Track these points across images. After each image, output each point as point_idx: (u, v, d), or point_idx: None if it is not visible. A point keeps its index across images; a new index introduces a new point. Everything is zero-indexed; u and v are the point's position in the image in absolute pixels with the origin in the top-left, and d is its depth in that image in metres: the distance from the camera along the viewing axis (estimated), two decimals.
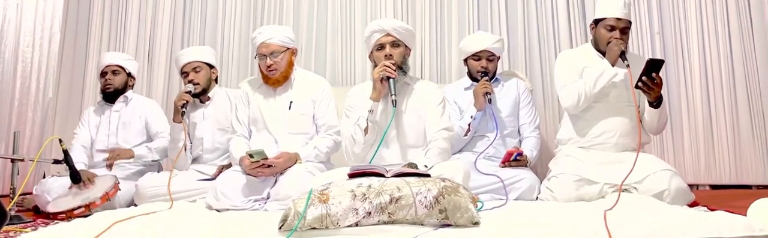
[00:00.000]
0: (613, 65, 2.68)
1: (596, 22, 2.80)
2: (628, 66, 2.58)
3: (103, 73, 3.23)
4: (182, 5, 3.96)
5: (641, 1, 3.77)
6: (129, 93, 3.28)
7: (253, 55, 3.87)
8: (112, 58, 3.26)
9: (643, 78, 2.51)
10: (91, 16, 3.97)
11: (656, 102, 2.65)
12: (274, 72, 2.83)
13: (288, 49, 2.85)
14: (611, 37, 2.71)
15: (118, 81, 3.22)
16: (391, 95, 2.54)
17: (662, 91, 2.64)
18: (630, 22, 2.78)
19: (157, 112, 3.27)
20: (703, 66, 3.70)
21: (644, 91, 2.58)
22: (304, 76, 2.96)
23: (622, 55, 2.63)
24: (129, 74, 3.27)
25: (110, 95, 3.23)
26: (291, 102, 2.86)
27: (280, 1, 3.92)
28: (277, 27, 3.01)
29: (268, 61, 2.80)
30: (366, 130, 2.56)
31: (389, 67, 2.57)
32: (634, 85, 2.54)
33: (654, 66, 2.49)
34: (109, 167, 3.02)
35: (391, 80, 2.57)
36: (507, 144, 3.00)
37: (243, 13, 3.93)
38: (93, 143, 3.21)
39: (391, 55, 2.65)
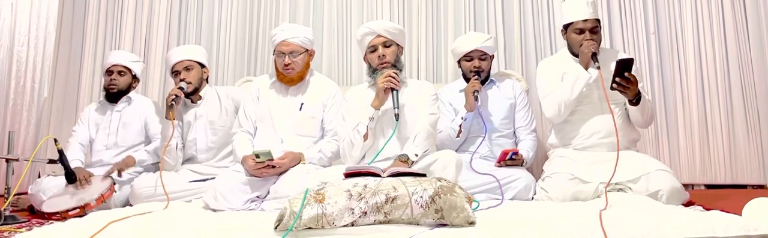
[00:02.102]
0: (587, 68, 2.69)
1: (566, 27, 2.82)
2: (598, 68, 2.61)
3: (109, 72, 3.20)
4: (178, 5, 3.94)
5: (637, 1, 3.78)
6: (132, 93, 3.27)
7: (249, 54, 3.91)
8: (120, 59, 3.22)
9: (616, 79, 2.52)
10: (87, 16, 3.95)
11: (635, 100, 2.66)
12: (291, 71, 2.84)
13: (307, 50, 2.88)
14: (582, 39, 2.73)
15: (122, 82, 3.20)
16: (395, 108, 2.58)
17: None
18: (598, 20, 2.80)
19: (156, 114, 3.25)
20: (698, 65, 3.72)
21: (621, 92, 2.59)
22: (319, 80, 2.98)
23: (594, 56, 2.65)
24: (134, 76, 3.26)
25: (113, 95, 3.21)
26: (302, 104, 2.87)
27: (276, 1, 3.92)
28: (300, 26, 3.03)
29: (287, 60, 2.81)
30: (365, 136, 2.61)
31: (393, 78, 2.62)
32: (608, 87, 2.55)
33: (625, 66, 2.49)
34: (119, 173, 2.94)
35: (394, 92, 2.62)
36: (502, 146, 3.00)
37: (239, 12, 3.92)
38: (92, 141, 3.19)
39: (384, 55, 2.71)
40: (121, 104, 3.23)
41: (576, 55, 2.81)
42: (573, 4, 2.79)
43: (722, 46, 3.71)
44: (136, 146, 3.16)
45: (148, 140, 3.20)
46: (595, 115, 2.78)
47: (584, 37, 2.74)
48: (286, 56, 2.81)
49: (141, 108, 3.23)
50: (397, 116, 2.56)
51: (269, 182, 2.64)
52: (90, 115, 3.25)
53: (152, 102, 3.35)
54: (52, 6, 4.16)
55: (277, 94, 2.91)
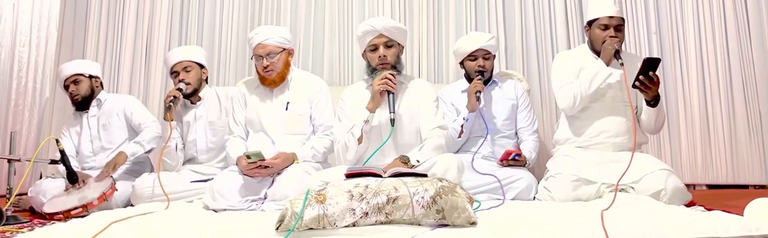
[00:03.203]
0: (608, 65, 2.68)
1: (589, 23, 2.81)
2: (622, 65, 2.59)
3: (66, 87, 3.18)
4: (179, 5, 3.95)
5: (638, 0, 3.78)
6: (101, 95, 3.23)
7: (250, 55, 3.90)
8: (66, 70, 3.19)
9: (640, 77, 2.49)
10: (88, 16, 3.96)
11: (653, 101, 2.65)
12: (271, 73, 2.83)
13: (284, 49, 2.86)
14: (606, 36, 2.71)
15: (82, 89, 3.16)
16: (390, 113, 2.53)
17: (659, 90, 2.64)
18: (623, 20, 2.78)
19: (135, 105, 3.21)
20: (700, 65, 3.72)
21: (641, 91, 2.58)
22: (300, 77, 2.96)
23: (617, 54, 2.63)
24: (90, 77, 3.21)
25: (82, 104, 3.18)
26: (288, 103, 2.86)
27: (277, 0, 3.92)
28: (274, 27, 3.01)
29: (265, 62, 2.80)
30: (360, 139, 2.57)
31: (390, 80, 2.57)
32: (631, 84, 2.53)
33: (651, 65, 2.47)
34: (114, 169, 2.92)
35: (390, 95, 2.57)
36: (504, 146, 2.99)
37: (240, 12, 3.93)
38: (78, 150, 3.17)
39: (385, 55, 2.66)
40: (93, 109, 3.19)
41: (596, 52, 2.79)
42: (601, 1, 2.78)
43: (724, 45, 3.71)
44: (123, 144, 3.13)
45: (133, 136, 3.16)
46: (606, 114, 2.77)
47: (608, 34, 2.72)
48: (264, 59, 2.80)
49: (115, 105, 3.19)
50: (392, 121, 2.51)
51: (266, 182, 2.64)
52: (69, 128, 3.23)
53: (127, 96, 3.32)
54: (54, 6, 4.17)
55: (261, 98, 2.91)
